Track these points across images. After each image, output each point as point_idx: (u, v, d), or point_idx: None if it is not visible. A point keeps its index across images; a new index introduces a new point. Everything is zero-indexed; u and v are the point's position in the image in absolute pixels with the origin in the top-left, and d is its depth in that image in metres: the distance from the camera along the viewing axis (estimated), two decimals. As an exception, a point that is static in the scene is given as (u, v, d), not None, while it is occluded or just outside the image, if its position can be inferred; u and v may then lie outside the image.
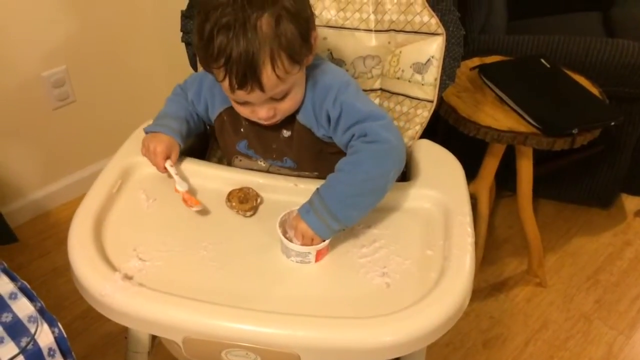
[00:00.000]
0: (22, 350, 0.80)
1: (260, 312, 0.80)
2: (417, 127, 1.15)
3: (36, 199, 1.88)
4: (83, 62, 1.79)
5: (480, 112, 1.43)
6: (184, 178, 1.01)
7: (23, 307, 0.85)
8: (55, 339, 0.83)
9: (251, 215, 0.98)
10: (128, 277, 0.85)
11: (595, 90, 1.50)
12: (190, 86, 1.08)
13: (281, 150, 1.04)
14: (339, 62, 1.16)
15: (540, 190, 1.76)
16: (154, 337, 1.08)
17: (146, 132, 1.04)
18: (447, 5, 1.08)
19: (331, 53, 1.16)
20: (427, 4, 1.08)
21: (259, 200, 0.99)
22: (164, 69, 2.00)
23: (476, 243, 0.92)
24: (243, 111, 0.96)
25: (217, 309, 0.81)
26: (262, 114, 0.94)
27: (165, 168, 1.01)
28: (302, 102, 0.98)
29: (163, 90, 1.18)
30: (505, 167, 1.56)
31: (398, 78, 1.15)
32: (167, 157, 1.01)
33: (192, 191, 0.99)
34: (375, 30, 1.13)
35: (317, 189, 0.91)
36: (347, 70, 1.14)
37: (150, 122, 1.09)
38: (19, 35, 1.63)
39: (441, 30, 1.09)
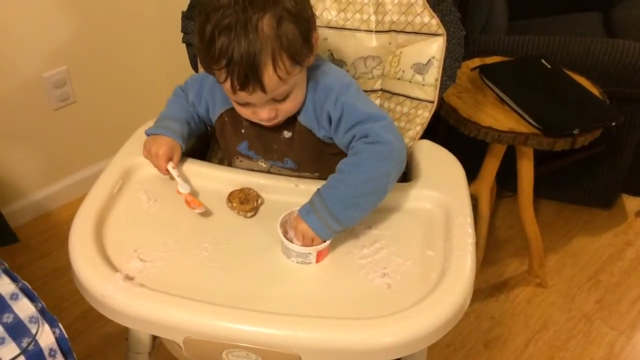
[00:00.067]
0: (23, 351, 0.80)
1: (261, 313, 0.80)
2: (418, 128, 1.15)
3: (37, 199, 1.88)
4: (84, 62, 1.80)
5: (480, 113, 1.43)
6: (186, 180, 1.01)
7: (24, 308, 0.85)
8: (56, 339, 0.83)
9: (252, 216, 0.98)
10: (129, 278, 0.85)
11: (595, 91, 1.50)
12: (191, 87, 1.08)
13: (282, 151, 1.04)
14: (340, 63, 1.16)
15: (541, 190, 1.76)
16: (154, 338, 1.08)
17: (147, 135, 1.04)
18: (448, 6, 1.08)
19: (332, 54, 1.16)
20: (427, 5, 1.08)
21: (259, 201, 0.99)
22: (164, 70, 2.00)
23: (477, 243, 0.92)
24: (244, 112, 0.96)
25: (217, 309, 0.81)
26: (264, 115, 0.94)
27: (168, 170, 1.01)
28: (303, 103, 0.98)
29: (164, 90, 1.18)
30: (506, 167, 1.56)
31: (399, 79, 1.15)
32: (169, 159, 1.01)
33: (194, 192, 0.99)
34: (376, 31, 1.13)
35: (318, 189, 0.91)
36: (347, 71, 1.14)
37: (151, 122, 1.09)
38: (20, 36, 1.63)
39: (442, 30, 1.09)
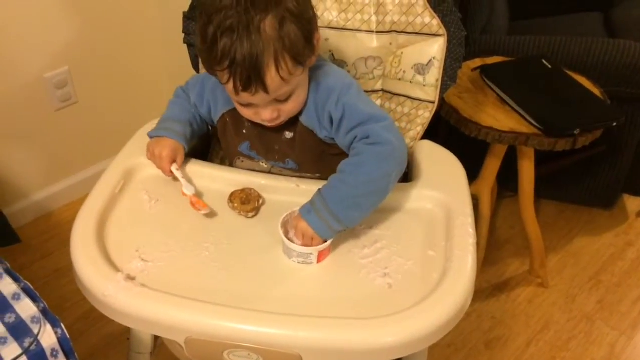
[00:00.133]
0: (25, 351, 0.80)
1: (262, 313, 0.81)
2: (419, 128, 1.15)
3: (39, 199, 1.88)
4: (85, 63, 1.80)
5: (481, 113, 1.43)
6: (190, 181, 1.01)
7: (26, 308, 0.85)
8: (58, 339, 0.84)
9: (253, 216, 0.98)
10: (130, 278, 0.85)
11: (596, 91, 1.50)
12: (193, 88, 1.08)
13: (283, 151, 1.04)
14: (341, 64, 1.16)
15: (542, 190, 1.76)
16: (156, 338, 1.08)
17: (150, 137, 1.05)
18: (449, 7, 1.09)
19: (333, 54, 1.16)
20: (428, 5, 1.08)
21: (260, 201, 0.99)
22: (166, 71, 2.00)
23: (478, 244, 0.92)
24: (247, 113, 0.97)
25: (219, 309, 0.81)
26: (266, 115, 0.94)
27: (172, 172, 1.01)
28: (305, 104, 0.98)
29: (165, 91, 1.19)
30: (506, 167, 1.56)
31: (399, 79, 1.15)
32: (173, 161, 1.01)
33: (197, 193, 0.99)
34: (377, 32, 1.13)
35: (319, 189, 0.91)
36: (348, 72, 1.14)
37: (153, 123, 1.09)
38: (22, 37, 1.63)
39: (442, 31, 1.09)
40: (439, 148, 1.12)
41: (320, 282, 0.88)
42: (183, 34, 1.19)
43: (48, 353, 0.82)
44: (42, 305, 0.86)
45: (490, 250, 1.78)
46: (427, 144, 1.13)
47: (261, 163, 1.08)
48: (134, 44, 1.90)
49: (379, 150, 0.92)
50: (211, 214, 0.98)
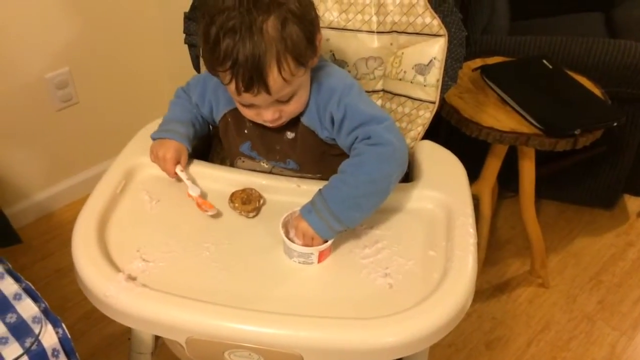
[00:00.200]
0: (27, 351, 0.80)
1: (263, 313, 0.81)
2: (419, 128, 1.15)
3: (40, 200, 1.88)
4: (86, 63, 1.80)
5: (482, 113, 1.43)
6: (195, 182, 1.01)
7: (27, 308, 0.85)
8: (59, 339, 0.84)
9: (254, 216, 0.98)
10: (131, 278, 0.85)
11: (597, 91, 1.50)
12: (194, 88, 1.08)
13: (285, 152, 1.04)
14: (342, 64, 1.16)
15: (543, 191, 1.76)
16: (157, 338, 1.08)
17: (153, 139, 1.05)
18: (449, 7, 1.09)
19: (333, 54, 1.16)
20: (429, 6, 1.08)
21: (261, 202, 0.99)
22: (166, 71, 2.00)
23: (478, 244, 0.92)
24: (248, 113, 0.97)
25: (220, 309, 0.81)
26: (268, 116, 0.94)
27: (176, 173, 1.01)
28: (307, 104, 0.98)
29: (166, 91, 1.19)
30: (507, 168, 1.56)
31: (400, 79, 1.15)
32: (177, 163, 1.01)
33: (203, 194, 0.99)
34: (378, 32, 1.13)
35: (320, 189, 0.91)
36: (349, 72, 1.15)
37: (154, 123, 1.09)
38: (23, 37, 1.63)
39: (443, 31, 1.09)
40: (439, 148, 1.12)
41: (321, 282, 0.88)
42: (184, 34, 1.19)
43: (49, 353, 0.82)
44: (43, 305, 0.86)
45: (491, 251, 1.78)
46: (428, 144, 1.13)
47: (262, 163, 1.08)
48: (134, 45, 1.90)
49: (380, 151, 0.92)
50: (220, 215, 0.98)
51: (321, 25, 1.12)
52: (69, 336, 0.85)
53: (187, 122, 1.07)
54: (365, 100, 0.99)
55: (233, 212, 0.98)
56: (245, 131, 1.05)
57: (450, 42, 1.09)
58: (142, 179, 1.04)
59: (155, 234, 0.93)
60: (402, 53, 1.14)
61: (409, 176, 1.08)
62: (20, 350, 0.80)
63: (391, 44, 1.14)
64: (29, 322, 0.84)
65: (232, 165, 1.12)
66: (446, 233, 0.94)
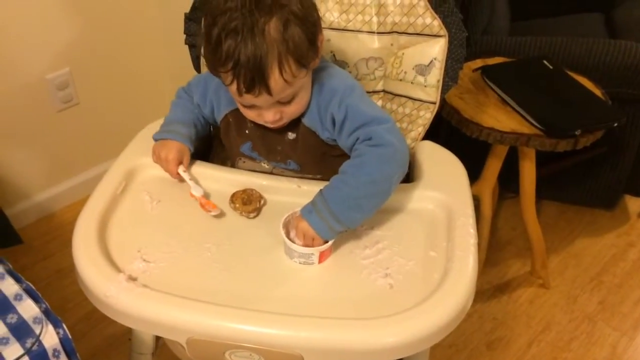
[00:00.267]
0: (27, 351, 0.80)
1: (263, 313, 0.81)
2: (420, 129, 1.15)
3: (40, 200, 1.88)
4: (87, 64, 1.80)
5: (482, 114, 1.43)
6: (198, 183, 1.01)
7: (28, 308, 0.85)
8: (60, 340, 0.84)
9: (254, 217, 0.98)
10: (132, 278, 0.85)
11: (597, 92, 1.50)
12: (195, 89, 1.08)
13: (285, 152, 1.04)
14: (342, 64, 1.17)
15: (543, 191, 1.76)
16: (158, 339, 1.08)
17: (155, 140, 1.05)
18: (450, 7, 1.09)
19: (334, 55, 1.16)
20: (429, 6, 1.08)
21: (262, 202, 0.99)
22: (167, 71, 2.00)
23: (479, 244, 0.92)
24: (250, 114, 0.97)
25: (220, 309, 0.81)
26: (269, 117, 0.94)
27: (179, 174, 1.01)
28: (308, 105, 0.98)
29: (166, 92, 1.19)
30: (508, 168, 1.56)
31: (401, 80, 1.15)
32: (180, 163, 1.02)
33: (206, 195, 1.00)
34: (378, 32, 1.13)
35: (321, 190, 0.91)
36: (349, 72, 1.15)
37: (155, 123, 1.10)
38: (23, 38, 1.63)
39: (444, 32, 1.09)
40: (440, 149, 1.12)
41: (321, 283, 0.88)
42: (184, 35, 1.19)
43: (50, 353, 0.83)
44: (44, 305, 0.87)
45: (492, 251, 1.78)
46: (429, 145, 1.13)
47: (262, 164, 1.08)
48: (135, 45, 1.90)
49: (381, 152, 0.92)
50: (223, 215, 0.98)
51: (322, 25, 1.12)
52: (70, 337, 0.85)
53: (188, 123, 1.07)
54: (366, 101, 0.99)
55: (234, 213, 0.98)
56: (247, 131, 1.05)
57: (450, 42, 1.10)
58: (143, 180, 1.04)
59: (156, 235, 0.93)
60: (403, 53, 1.14)
61: (409, 176, 1.08)
62: (21, 351, 0.80)
63: (392, 45, 1.14)
64: (30, 322, 0.84)
65: (232, 165, 1.12)
66: (447, 233, 0.94)
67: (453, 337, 1.58)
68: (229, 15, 0.84)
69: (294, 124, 1.01)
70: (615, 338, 1.61)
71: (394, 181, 0.93)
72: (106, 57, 1.84)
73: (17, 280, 0.90)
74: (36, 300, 0.87)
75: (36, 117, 1.76)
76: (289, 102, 0.93)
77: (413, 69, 1.13)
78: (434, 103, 1.13)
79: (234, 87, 0.88)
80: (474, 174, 1.50)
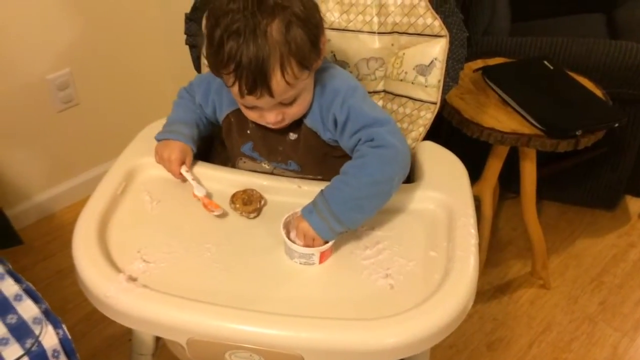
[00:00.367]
0: (27, 352, 0.80)
1: (263, 314, 0.80)
2: (421, 129, 1.15)
3: (40, 201, 1.88)
4: (87, 65, 1.80)
5: (483, 114, 1.43)
6: (200, 183, 1.01)
7: (28, 309, 0.85)
8: (60, 340, 0.84)
9: (255, 217, 0.98)
10: (132, 279, 0.85)
11: (598, 92, 1.50)
12: (197, 89, 1.08)
13: (286, 153, 1.04)
14: (343, 64, 1.16)
15: (544, 192, 1.76)
16: (158, 339, 1.08)
17: (158, 140, 1.05)
18: (451, 7, 1.09)
19: (334, 55, 1.16)
20: (430, 6, 1.08)
21: (262, 202, 0.99)
22: (168, 72, 2.00)
23: (479, 245, 0.92)
24: (251, 115, 0.97)
25: (221, 310, 0.81)
26: (271, 118, 0.94)
27: (181, 174, 1.01)
28: (310, 106, 0.98)
29: (167, 92, 1.19)
30: (508, 168, 1.56)
31: (401, 80, 1.15)
32: (182, 164, 1.02)
33: (208, 195, 0.99)
34: (379, 33, 1.13)
35: (322, 190, 0.91)
36: (350, 72, 1.14)
37: (155, 124, 1.10)
38: (24, 39, 1.63)
39: (444, 32, 1.09)
40: (440, 149, 1.12)
41: (322, 283, 0.88)
42: (185, 35, 1.19)
43: (49, 354, 0.82)
44: (43, 306, 0.86)
45: (492, 252, 1.78)
46: (429, 145, 1.13)
47: (263, 164, 1.08)
48: (136, 46, 1.90)
49: (382, 153, 0.92)
50: (225, 215, 0.98)
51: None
52: (70, 337, 0.85)
53: (191, 123, 1.07)
54: (369, 103, 0.99)
55: (234, 213, 0.98)
56: (248, 132, 1.05)
57: (451, 42, 1.09)
58: (143, 180, 1.04)
59: (156, 235, 0.93)
60: (404, 54, 1.14)
61: (410, 177, 1.08)
62: (20, 351, 0.80)
63: (392, 45, 1.14)
64: (30, 323, 0.83)
65: (233, 165, 1.12)
66: (447, 234, 0.94)
67: (453, 338, 1.58)
68: (231, 16, 0.84)
69: (296, 124, 1.01)
70: (616, 339, 1.61)
71: (395, 182, 0.93)
72: (107, 58, 1.84)
73: (17, 280, 0.90)
74: (36, 300, 0.87)
75: (36, 117, 1.76)
76: (291, 103, 0.93)
77: (414, 69, 1.13)
78: (435, 103, 1.13)
79: (235, 88, 0.88)
80: (475, 174, 1.50)
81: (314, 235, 0.88)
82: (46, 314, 0.85)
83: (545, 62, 1.58)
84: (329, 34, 1.14)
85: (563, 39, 1.66)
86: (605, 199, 1.93)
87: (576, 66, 1.62)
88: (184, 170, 1.01)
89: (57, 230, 1.86)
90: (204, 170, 1.05)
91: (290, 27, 0.85)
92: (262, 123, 0.98)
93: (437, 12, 1.09)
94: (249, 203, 0.98)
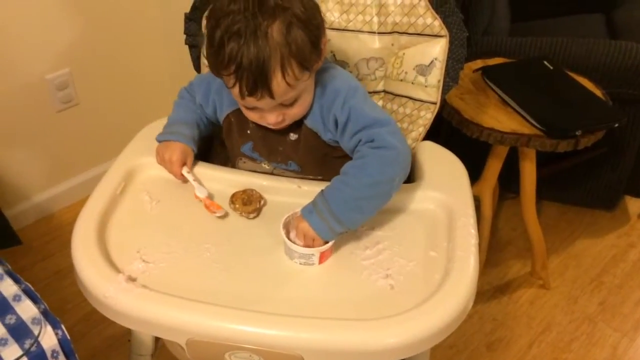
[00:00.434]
0: (26, 352, 0.80)
1: (263, 314, 0.80)
2: (421, 129, 1.15)
3: (40, 201, 1.88)
4: (87, 65, 1.80)
5: (483, 114, 1.43)
6: (202, 184, 1.01)
7: (27, 309, 0.85)
8: (59, 340, 0.84)
9: (254, 217, 0.98)
10: (131, 279, 0.85)
11: (598, 92, 1.50)
12: (198, 89, 1.08)
13: (287, 153, 1.04)
14: (342, 64, 1.16)
15: (544, 192, 1.76)
16: (157, 340, 1.08)
17: (159, 141, 1.05)
18: (451, 7, 1.08)
19: (334, 55, 1.16)
20: (430, 6, 1.08)
21: (262, 202, 0.99)
22: (167, 72, 2.00)
23: (479, 245, 0.92)
24: (252, 116, 0.97)
25: (220, 310, 0.81)
26: (271, 119, 0.94)
27: (183, 175, 1.01)
28: (311, 106, 0.98)
29: (167, 92, 1.19)
30: (508, 169, 1.56)
31: (401, 80, 1.15)
32: (183, 164, 1.01)
33: (210, 195, 0.99)
34: (379, 33, 1.13)
35: (322, 190, 0.91)
36: (350, 72, 1.14)
37: (154, 124, 1.10)
38: (23, 38, 1.63)
39: (444, 32, 1.09)
40: (440, 149, 1.12)
41: (321, 283, 0.88)
42: (184, 35, 1.19)
43: (48, 354, 0.82)
44: (42, 306, 0.86)
45: (492, 252, 1.78)
46: (429, 145, 1.13)
47: (263, 164, 1.08)
48: (135, 45, 1.90)
49: (383, 154, 0.92)
50: (227, 215, 0.97)
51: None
52: (69, 337, 0.85)
53: (191, 123, 1.07)
54: (370, 103, 0.99)
55: (234, 213, 0.98)
56: (248, 132, 1.05)
57: (451, 42, 1.09)
58: (143, 180, 1.03)
59: (156, 235, 0.93)
60: (403, 54, 1.14)
61: (410, 177, 1.08)
62: (19, 352, 0.80)
63: (392, 45, 1.14)
64: (29, 323, 0.83)
65: (233, 166, 1.12)
66: (447, 234, 0.94)
67: (453, 338, 1.58)
68: (231, 18, 0.84)
69: (296, 125, 1.00)
70: (615, 339, 1.61)
71: (395, 183, 0.93)
72: (106, 58, 1.84)
73: (16, 281, 0.90)
74: (35, 301, 0.87)
75: (36, 117, 1.76)
76: (291, 104, 0.93)
77: (414, 69, 1.13)
78: (435, 103, 1.13)
79: (236, 89, 0.88)
80: (475, 174, 1.49)
81: (313, 236, 0.88)
82: (45, 314, 0.85)
83: (545, 62, 1.58)
84: (329, 34, 1.13)
85: (563, 39, 1.66)
86: (605, 199, 1.93)
87: (576, 66, 1.62)
88: (185, 171, 1.01)
89: (56, 231, 1.85)
90: (203, 170, 1.05)
91: (290, 28, 0.85)
92: (263, 124, 0.97)
93: (437, 12, 1.08)
94: (249, 203, 0.97)
